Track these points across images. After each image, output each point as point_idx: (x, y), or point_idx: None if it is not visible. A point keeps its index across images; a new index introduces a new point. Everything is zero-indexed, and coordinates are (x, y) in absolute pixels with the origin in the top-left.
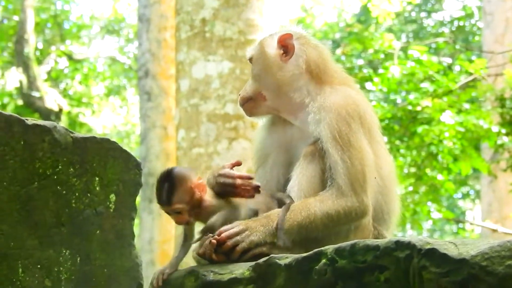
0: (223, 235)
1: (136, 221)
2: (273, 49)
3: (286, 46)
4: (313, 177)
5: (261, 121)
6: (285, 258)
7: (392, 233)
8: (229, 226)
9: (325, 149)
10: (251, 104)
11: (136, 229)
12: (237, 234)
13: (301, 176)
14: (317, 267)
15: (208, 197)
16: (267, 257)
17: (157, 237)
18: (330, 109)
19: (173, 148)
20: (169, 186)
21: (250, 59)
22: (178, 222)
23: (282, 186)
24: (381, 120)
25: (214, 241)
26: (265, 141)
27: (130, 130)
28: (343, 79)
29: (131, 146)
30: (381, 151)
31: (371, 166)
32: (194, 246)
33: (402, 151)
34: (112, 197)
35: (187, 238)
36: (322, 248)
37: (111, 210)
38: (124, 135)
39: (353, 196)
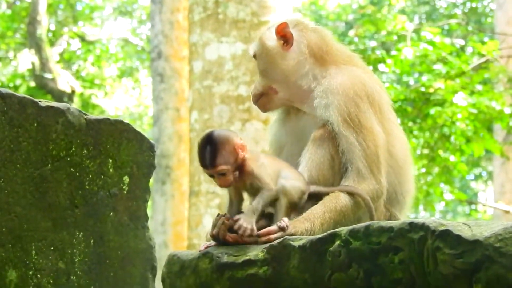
0: (271, 236)
1: (149, 203)
2: (273, 41)
3: (284, 35)
4: (322, 163)
5: (275, 113)
6: (299, 240)
7: (406, 215)
8: (273, 228)
9: (338, 132)
10: (264, 100)
11: (149, 211)
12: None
13: (310, 162)
14: (331, 248)
15: (250, 160)
16: (281, 239)
17: (170, 219)
18: (337, 91)
19: (186, 130)
20: (212, 148)
21: (254, 56)
22: (222, 185)
23: None
24: (394, 102)
25: (227, 221)
26: (279, 133)
27: (142, 112)
28: (349, 58)
29: (144, 128)
30: (394, 129)
31: (383, 146)
32: (208, 228)
33: (415, 132)
34: (126, 179)
35: (233, 203)
36: (336, 229)
37: (125, 192)
38: (137, 117)
39: (372, 178)
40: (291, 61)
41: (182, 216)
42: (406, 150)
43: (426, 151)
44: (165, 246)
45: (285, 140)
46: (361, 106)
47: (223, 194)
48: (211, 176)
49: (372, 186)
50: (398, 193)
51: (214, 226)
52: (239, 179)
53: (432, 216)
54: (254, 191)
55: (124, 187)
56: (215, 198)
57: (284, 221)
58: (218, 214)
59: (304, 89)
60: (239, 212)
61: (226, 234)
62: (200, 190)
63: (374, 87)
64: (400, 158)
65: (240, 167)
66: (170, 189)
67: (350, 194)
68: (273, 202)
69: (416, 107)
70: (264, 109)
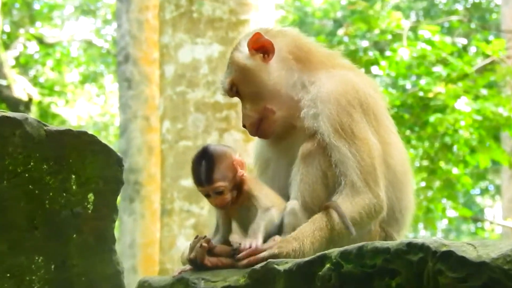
0: (251, 259)
1: (116, 223)
2: (249, 58)
3: (261, 46)
4: (315, 182)
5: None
6: (285, 263)
7: (404, 235)
8: (265, 245)
9: (329, 143)
10: (265, 125)
11: (116, 232)
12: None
13: (302, 185)
14: (320, 272)
15: (249, 179)
16: (265, 262)
17: (139, 241)
18: (328, 99)
19: (157, 141)
20: (208, 163)
21: (232, 87)
22: (218, 205)
23: (286, 193)
24: (389, 108)
25: (205, 244)
26: (264, 147)
27: (108, 121)
28: (336, 60)
29: (110, 140)
30: (391, 137)
31: (378, 157)
32: (182, 250)
33: (413, 142)
34: (91, 196)
35: (218, 230)
36: (326, 251)
37: (90, 211)
38: (102, 127)
39: (369, 191)
40: (277, 72)
41: (153, 238)
42: (405, 161)
43: (425, 162)
44: (134, 271)
45: (271, 154)
46: (354, 116)
47: (199, 214)
48: (207, 196)
49: (368, 201)
50: (396, 210)
51: (191, 248)
52: (235, 201)
53: (433, 236)
54: (247, 218)
55: (89, 206)
56: (190, 218)
57: (275, 240)
58: (197, 236)
59: (295, 100)
60: (225, 241)
61: (204, 258)
62: (173, 209)
63: (368, 92)
64: (398, 170)
65: (238, 186)
66: (139, 207)
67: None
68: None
69: (414, 114)
70: (267, 134)
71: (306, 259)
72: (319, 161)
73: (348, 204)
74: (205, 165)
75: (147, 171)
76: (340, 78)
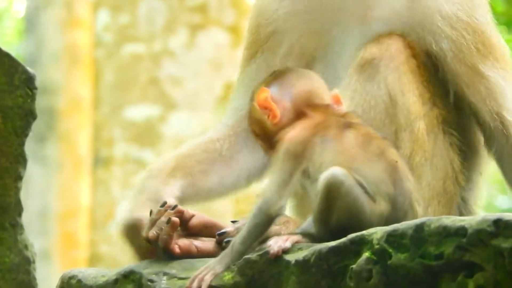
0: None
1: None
2: None
3: None
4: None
5: None
6: (298, 251)
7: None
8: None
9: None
10: None
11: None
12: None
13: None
14: (354, 266)
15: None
16: (264, 250)
17: (54, 208)
18: None
19: (87, 44)
20: None
21: None
22: None
23: None
24: None
25: (176, 219)
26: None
27: (2, 8)
28: None
29: (6, 40)
30: None
31: None
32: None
33: None
34: None
35: None
36: (364, 231)
37: None
38: None
39: None
40: None
41: (77, 203)
42: None
43: None
44: (46, 258)
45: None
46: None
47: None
48: None
49: None
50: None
51: (152, 222)
52: None
53: None
54: None
55: None
56: (140, 171)
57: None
58: (164, 204)
59: None
60: None
61: (171, 240)
62: (112, 156)
63: None
64: None
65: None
66: (55, 153)
67: None
68: None
69: None
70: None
71: (331, 244)
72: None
73: None
74: None
75: (69, 92)
76: None
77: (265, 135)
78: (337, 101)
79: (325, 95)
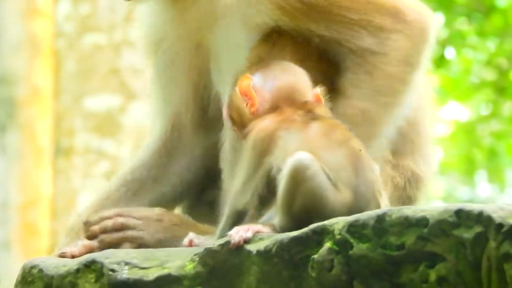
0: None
1: None
2: None
3: None
4: None
5: None
6: (259, 240)
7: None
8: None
9: None
10: None
11: None
12: None
13: None
14: (316, 255)
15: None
16: (226, 240)
17: (15, 197)
18: None
19: (48, 34)
20: None
21: None
22: None
23: None
24: None
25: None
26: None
27: None
28: None
29: None
30: None
31: None
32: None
33: (472, 39)
34: None
35: None
36: (326, 222)
37: None
38: None
39: None
40: None
41: (38, 193)
42: None
43: (490, 75)
44: (6, 248)
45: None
46: None
47: (115, 154)
48: None
49: None
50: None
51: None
52: None
53: (499, 195)
54: None
55: None
56: (101, 160)
57: None
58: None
59: None
60: None
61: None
62: (73, 146)
63: None
64: None
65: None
66: (15, 142)
67: None
68: None
69: None
70: None
71: (293, 234)
72: None
73: None
74: None
75: (29, 82)
76: None
77: (241, 123)
78: (318, 99)
79: (307, 92)
